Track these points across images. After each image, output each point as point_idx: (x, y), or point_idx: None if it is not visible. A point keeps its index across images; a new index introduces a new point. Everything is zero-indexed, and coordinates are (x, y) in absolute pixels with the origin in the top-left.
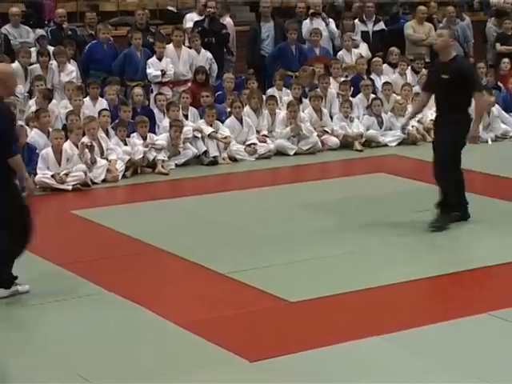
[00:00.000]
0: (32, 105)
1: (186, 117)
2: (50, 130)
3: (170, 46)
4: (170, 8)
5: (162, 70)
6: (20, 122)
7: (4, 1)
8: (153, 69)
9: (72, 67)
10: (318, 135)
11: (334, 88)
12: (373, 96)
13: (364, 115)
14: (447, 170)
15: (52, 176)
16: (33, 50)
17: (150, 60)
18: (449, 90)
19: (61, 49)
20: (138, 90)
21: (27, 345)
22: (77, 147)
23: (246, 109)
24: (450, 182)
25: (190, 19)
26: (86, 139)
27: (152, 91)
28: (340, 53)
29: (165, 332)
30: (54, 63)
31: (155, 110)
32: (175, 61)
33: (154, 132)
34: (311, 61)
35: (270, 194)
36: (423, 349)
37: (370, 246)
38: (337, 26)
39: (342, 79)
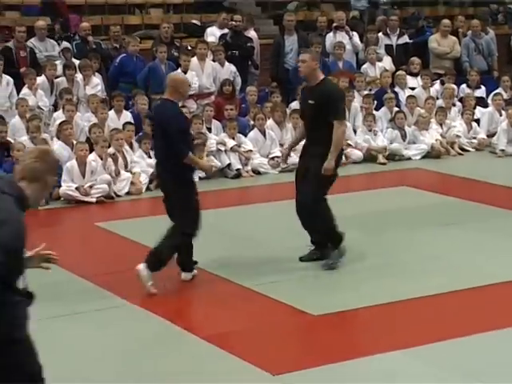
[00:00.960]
0: (57, 118)
1: (210, 130)
2: (74, 142)
3: (194, 59)
4: (194, 21)
5: None
6: (44, 135)
7: (30, 14)
8: None
9: (97, 80)
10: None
11: (357, 101)
12: (396, 109)
13: (387, 128)
14: (313, 208)
15: (76, 188)
16: (58, 62)
17: None
18: (314, 116)
19: (86, 62)
20: None
21: (48, 357)
22: (101, 159)
23: (270, 122)
24: (319, 219)
25: (211, 33)
26: (110, 150)
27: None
28: (364, 66)
29: (187, 344)
30: (79, 76)
31: None
32: (199, 74)
33: None
34: (334, 74)
35: (293, 207)
36: (446, 363)
37: (393, 260)
38: (360, 40)
39: (366, 92)
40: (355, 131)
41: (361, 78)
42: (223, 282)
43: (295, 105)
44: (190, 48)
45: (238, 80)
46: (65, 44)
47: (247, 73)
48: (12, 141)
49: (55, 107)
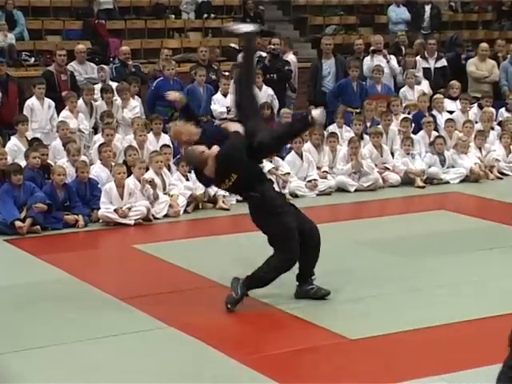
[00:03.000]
0: (97, 140)
1: None
2: (113, 164)
3: (231, 83)
4: (233, 45)
5: (227, 107)
6: (82, 158)
7: (71, 38)
8: (218, 105)
9: (135, 103)
10: (378, 172)
11: (395, 125)
12: (435, 133)
13: (426, 153)
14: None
15: (114, 210)
16: (96, 86)
17: (214, 96)
18: None
19: (124, 85)
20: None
21: (86, 378)
22: (139, 182)
23: (307, 145)
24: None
25: None
26: (148, 175)
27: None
28: (402, 89)
29: (225, 368)
30: (118, 99)
31: None
32: None
33: None
34: (372, 98)
35: (331, 231)
36: None
37: (430, 284)
38: (398, 63)
39: (403, 116)
40: (393, 154)
41: (397, 102)
42: (260, 304)
43: (333, 128)
44: (227, 73)
45: (276, 103)
46: (102, 65)
47: (285, 96)
48: (52, 164)
49: (95, 130)
